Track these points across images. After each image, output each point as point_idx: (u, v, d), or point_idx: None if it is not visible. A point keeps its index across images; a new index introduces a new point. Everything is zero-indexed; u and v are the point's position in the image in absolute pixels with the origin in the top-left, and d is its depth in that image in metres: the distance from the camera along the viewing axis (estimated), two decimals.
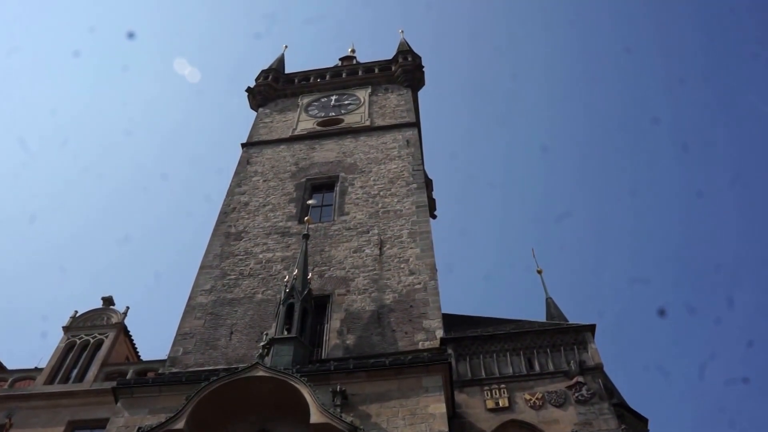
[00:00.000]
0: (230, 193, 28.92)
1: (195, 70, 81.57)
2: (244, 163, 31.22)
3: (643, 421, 19.26)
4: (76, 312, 26.63)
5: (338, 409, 16.01)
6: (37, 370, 24.48)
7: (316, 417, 15.40)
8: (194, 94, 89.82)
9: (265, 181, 29.63)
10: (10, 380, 24.24)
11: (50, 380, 23.68)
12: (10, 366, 26.41)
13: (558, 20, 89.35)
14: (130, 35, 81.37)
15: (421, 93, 38.51)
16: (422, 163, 30.11)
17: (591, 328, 20.28)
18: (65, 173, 79.13)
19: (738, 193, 67.24)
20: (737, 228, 66.09)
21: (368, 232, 25.05)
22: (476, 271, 75.52)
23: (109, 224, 79.56)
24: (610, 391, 18.70)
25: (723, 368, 53.49)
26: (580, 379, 18.68)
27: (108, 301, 27.29)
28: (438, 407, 16.54)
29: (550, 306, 23.61)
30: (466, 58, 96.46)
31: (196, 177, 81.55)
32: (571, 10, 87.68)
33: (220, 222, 27.01)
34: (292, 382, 16.28)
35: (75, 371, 24.12)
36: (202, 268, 24.51)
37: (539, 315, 23.57)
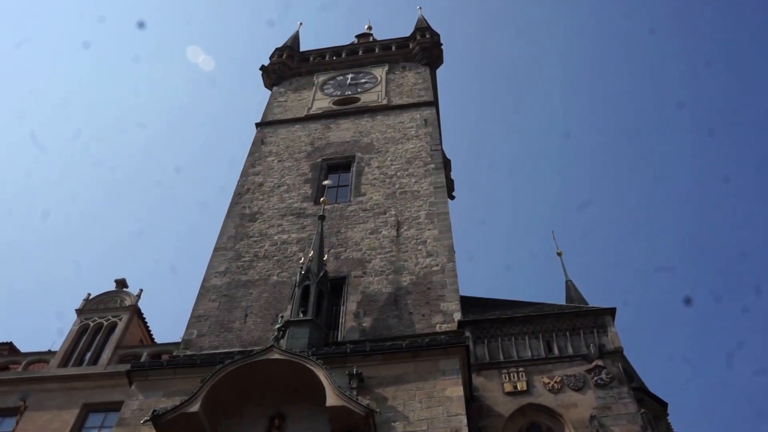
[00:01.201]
0: (244, 174, 29.12)
1: (209, 58, 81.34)
2: (258, 143, 31.40)
3: (663, 405, 19.46)
4: (89, 294, 26.92)
5: (354, 392, 16.18)
6: (51, 353, 24.78)
7: (332, 400, 15.53)
8: (207, 83, 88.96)
9: (280, 161, 29.82)
10: (23, 363, 24.58)
11: (64, 363, 23.94)
12: (23, 349, 26.94)
13: (579, 0, 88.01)
14: (141, 25, 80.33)
15: (438, 71, 38.53)
16: (440, 143, 30.15)
17: (611, 312, 20.33)
18: (77, 167, 78.72)
19: (765, 177, 66.51)
20: (764, 214, 65.36)
21: (385, 213, 25.19)
22: (495, 254, 75.66)
23: (122, 212, 79.61)
24: (629, 375, 18.86)
25: (751, 358, 53.04)
26: (600, 362, 18.78)
27: (121, 283, 27.54)
28: (455, 390, 16.70)
29: (570, 289, 23.72)
30: (485, 38, 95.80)
31: (208, 166, 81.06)
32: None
33: (234, 203, 27.23)
34: (308, 365, 16.44)
35: (89, 354, 24.36)
36: (216, 249, 24.74)
37: (559, 298, 23.75)
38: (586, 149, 78.78)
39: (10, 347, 28.18)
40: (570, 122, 78.94)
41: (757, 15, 75.40)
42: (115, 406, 19.87)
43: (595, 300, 22.74)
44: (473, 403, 17.96)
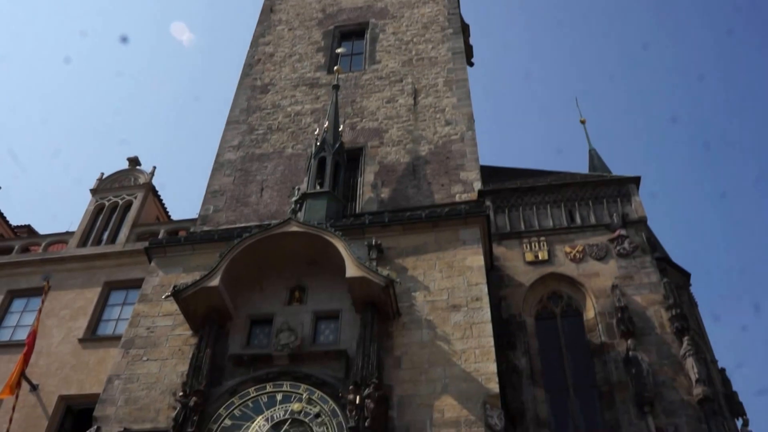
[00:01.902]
0: (254, 44, 28.68)
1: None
2: (267, 11, 30.74)
3: (686, 275, 19.59)
4: (102, 174, 27.21)
5: (374, 263, 16.44)
6: (69, 233, 25.25)
7: (351, 271, 15.70)
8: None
9: (290, 29, 29.33)
10: (43, 244, 25.19)
11: (83, 243, 24.38)
12: (41, 232, 27.53)
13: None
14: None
15: None
16: (458, 6, 29.47)
17: (635, 180, 20.27)
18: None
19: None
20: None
21: (401, 81, 24.90)
22: (516, 122, 75.04)
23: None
24: (653, 245, 18.80)
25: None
26: (623, 232, 18.84)
27: (134, 161, 27.70)
28: (475, 260, 16.95)
29: (593, 158, 23.49)
30: None
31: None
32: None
33: (244, 75, 26.98)
34: (327, 237, 16.58)
35: (106, 234, 24.80)
36: (228, 123, 24.72)
37: (582, 168, 23.69)
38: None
39: (28, 229, 28.88)
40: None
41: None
42: (136, 284, 20.40)
43: (619, 170, 22.65)
44: (494, 272, 18.24)
